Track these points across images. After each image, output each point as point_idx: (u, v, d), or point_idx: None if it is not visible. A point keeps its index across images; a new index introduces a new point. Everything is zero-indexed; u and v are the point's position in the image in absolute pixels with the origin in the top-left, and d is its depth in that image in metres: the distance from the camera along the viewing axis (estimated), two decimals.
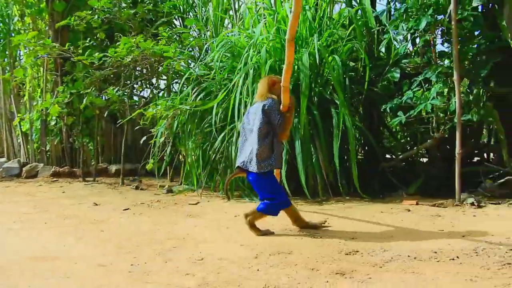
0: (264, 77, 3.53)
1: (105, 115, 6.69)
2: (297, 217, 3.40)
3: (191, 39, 6.92)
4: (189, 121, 5.31)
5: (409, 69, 5.26)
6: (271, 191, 3.24)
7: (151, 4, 7.20)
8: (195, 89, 5.32)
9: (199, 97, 5.30)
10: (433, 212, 3.90)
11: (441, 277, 2.20)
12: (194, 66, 5.77)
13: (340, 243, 2.96)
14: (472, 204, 4.18)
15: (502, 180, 4.59)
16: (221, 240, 3.19)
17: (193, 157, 5.35)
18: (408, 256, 2.58)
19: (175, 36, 7.01)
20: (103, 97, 6.69)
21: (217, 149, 5.18)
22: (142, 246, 3.04)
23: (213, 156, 5.25)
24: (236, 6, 7.54)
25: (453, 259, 2.47)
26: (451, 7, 3.85)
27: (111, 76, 6.84)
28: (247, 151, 3.25)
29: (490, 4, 4.91)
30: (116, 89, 5.96)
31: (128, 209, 4.52)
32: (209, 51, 6.07)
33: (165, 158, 5.68)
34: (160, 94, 7.52)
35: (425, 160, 5.84)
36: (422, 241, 2.92)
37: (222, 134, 5.04)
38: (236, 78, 4.79)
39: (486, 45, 4.35)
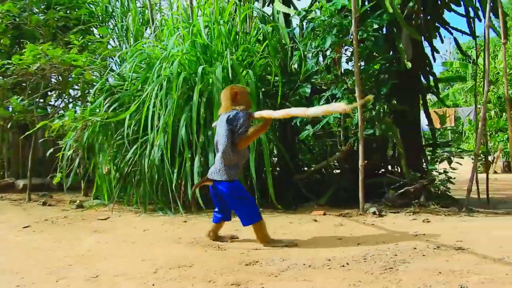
0: (225, 89, 3.44)
1: (9, 126, 6.23)
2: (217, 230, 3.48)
3: (110, 48, 6.74)
4: (101, 133, 5.12)
5: (321, 85, 5.53)
6: (243, 198, 3.25)
7: (67, 11, 6.90)
8: (107, 100, 5.15)
9: (112, 108, 5.14)
10: (337, 222, 4.09)
11: (328, 284, 2.30)
12: (105, 75, 5.58)
13: (242, 254, 3.00)
14: (374, 213, 4.44)
15: (401, 191, 4.93)
16: (123, 255, 3.09)
17: (104, 170, 5.15)
18: (304, 264, 2.67)
19: (94, 45, 6.77)
20: (9, 107, 6.24)
21: (130, 162, 5.04)
22: (34, 265, 2.85)
23: (126, 169, 5.10)
24: (159, 17, 7.49)
25: (343, 266, 2.60)
26: (353, 28, 4.13)
27: (24, 85, 6.41)
28: (215, 161, 3.29)
29: (391, 28, 5.33)
30: (20, 98, 5.58)
31: (28, 226, 4.23)
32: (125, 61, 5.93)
33: (73, 171, 5.40)
34: (73, 105, 7.19)
35: (338, 172, 6.12)
36: (320, 250, 3.05)
37: (135, 147, 4.92)
38: (149, 90, 4.72)
39: (385, 66, 4.69)
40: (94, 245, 3.41)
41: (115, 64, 6.77)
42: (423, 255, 2.75)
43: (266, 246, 3.21)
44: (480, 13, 5.36)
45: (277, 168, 6.14)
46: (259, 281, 2.39)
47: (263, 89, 5.49)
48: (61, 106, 7.12)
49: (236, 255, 2.99)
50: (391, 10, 4.42)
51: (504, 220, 4.15)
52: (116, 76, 5.62)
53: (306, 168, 6.11)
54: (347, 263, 2.64)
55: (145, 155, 4.82)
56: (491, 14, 4.83)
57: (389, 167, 6.08)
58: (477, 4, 5.41)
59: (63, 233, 3.92)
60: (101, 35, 6.81)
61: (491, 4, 4.83)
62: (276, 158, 6.22)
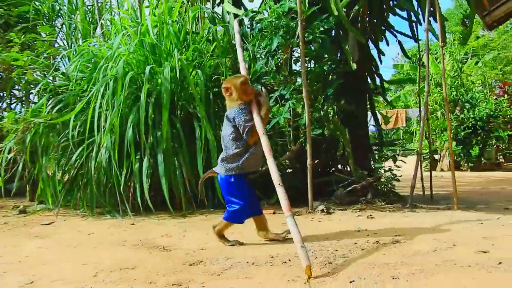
0: None
1: None
2: (264, 227, 3.36)
3: (56, 47, 6.51)
4: (44, 134, 4.94)
5: (273, 85, 5.59)
6: (235, 197, 3.15)
7: (9, 8, 6.59)
8: (51, 101, 4.98)
9: (56, 109, 4.97)
10: (285, 220, 4.11)
11: (269, 280, 2.33)
12: (49, 75, 5.38)
13: (187, 255, 2.98)
14: (322, 211, 4.54)
15: (349, 188, 5.07)
16: (64, 260, 2.99)
17: (48, 173, 4.97)
18: (247, 262, 2.69)
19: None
20: None
21: (76, 165, 4.90)
22: None
23: (72, 172, 4.95)
24: (108, 16, 7.32)
25: (285, 262, 2.65)
26: (299, 29, 4.21)
27: None
28: (221, 155, 3.21)
29: (338, 31, 5.47)
30: None
31: None
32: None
33: (17, 175, 5.17)
34: (20, 106, 6.90)
35: (290, 171, 6.20)
36: (265, 247, 3.09)
37: (80, 149, 4.78)
38: (95, 90, 4.60)
39: (331, 67, 4.81)
40: (34, 251, 3.28)
41: (63, 64, 6.57)
42: (362, 250, 2.85)
43: (217, 238, 3.23)
44: (421, 17, 5.60)
45: None
46: (201, 281, 2.39)
47: (215, 89, 5.49)
48: (3, 107, 6.80)
49: (181, 255, 2.97)
50: (336, 13, 4.54)
51: (443, 215, 4.36)
52: (61, 76, 5.43)
53: (260, 168, 6.13)
54: (289, 260, 2.69)
55: (92, 157, 4.70)
56: (431, 18, 5.06)
57: (339, 166, 6.24)
58: (420, 10, 5.65)
59: (1, 240, 3.75)
60: (45, 34, 6.55)
61: (432, 8, 5.08)
62: None
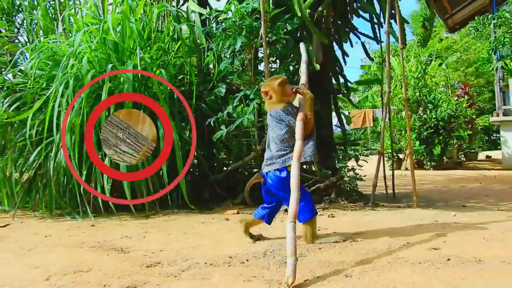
0: None
1: None
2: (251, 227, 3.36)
3: (18, 44, 6.30)
4: (1, 133, 4.78)
5: (239, 85, 5.58)
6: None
7: None
8: (7, 99, 4.81)
9: (14, 107, 4.81)
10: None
11: (224, 280, 2.33)
12: (6, 72, 5.22)
13: (145, 256, 2.94)
14: (286, 210, 4.55)
15: (313, 188, 5.12)
16: (15, 263, 2.90)
17: (5, 174, 4.80)
18: (205, 263, 2.68)
19: None
20: None
21: (35, 165, 4.75)
22: None
23: (30, 173, 4.80)
24: (70, 13, 7.13)
25: (243, 262, 2.65)
26: (262, 30, 4.22)
27: None
28: (267, 156, 3.08)
29: (303, 32, 5.52)
30: None
31: None
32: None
33: None
34: None
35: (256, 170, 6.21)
36: (225, 248, 3.08)
37: (39, 148, 4.64)
38: (53, 88, 4.48)
39: (296, 68, 4.85)
40: None
41: (24, 61, 6.36)
42: (319, 249, 2.89)
43: (313, 243, 3.06)
44: (383, 20, 5.72)
45: (197, 169, 6.11)
46: (156, 282, 2.36)
47: (181, 89, 5.45)
48: None
49: (139, 257, 2.93)
50: (299, 14, 4.57)
51: (402, 213, 4.47)
52: (19, 73, 5.26)
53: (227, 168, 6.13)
54: (247, 260, 2.70)
55: (51, 157, 4.57)
56: (392, 20, 5.18)
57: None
58: (381, 12, 5.77)
59: None
60: (3, 29, 6.33)
61: (393, 11, 5.19)
62: (197, 160, 6.17)
